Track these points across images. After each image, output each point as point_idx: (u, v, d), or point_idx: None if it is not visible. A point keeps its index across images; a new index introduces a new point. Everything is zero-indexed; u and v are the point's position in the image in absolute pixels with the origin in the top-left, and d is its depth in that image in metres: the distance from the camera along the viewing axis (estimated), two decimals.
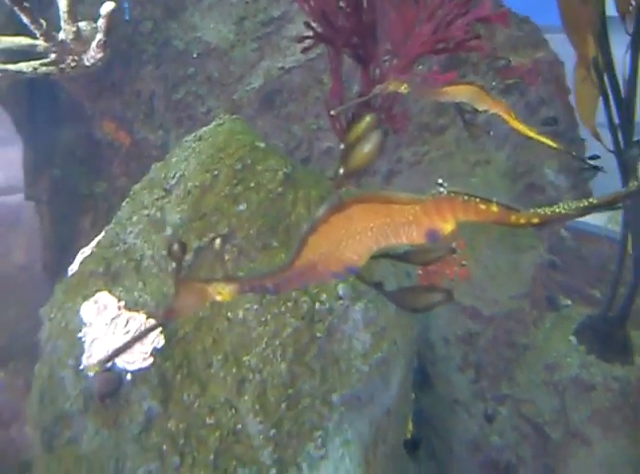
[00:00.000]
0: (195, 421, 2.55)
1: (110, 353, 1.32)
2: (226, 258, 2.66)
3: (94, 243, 2.93)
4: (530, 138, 2.62)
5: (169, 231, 2.73)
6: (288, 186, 2.78)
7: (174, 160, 2.90)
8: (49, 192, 5.26)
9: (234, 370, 2.57)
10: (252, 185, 2.73)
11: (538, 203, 3.69)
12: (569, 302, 4.50)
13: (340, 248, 1.21)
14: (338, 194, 1.22)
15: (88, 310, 2.69)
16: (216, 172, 2.75)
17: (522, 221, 1.16)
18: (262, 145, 2.84)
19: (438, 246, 1.55)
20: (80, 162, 5.27)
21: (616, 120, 3.65)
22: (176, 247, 1.35)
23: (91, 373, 2.60)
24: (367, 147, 1.34)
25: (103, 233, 2.92)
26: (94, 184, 5.24)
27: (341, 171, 1.36)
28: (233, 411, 2.55)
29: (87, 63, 4.38)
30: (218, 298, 1.30)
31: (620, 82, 3.59)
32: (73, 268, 2.93)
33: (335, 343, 2.67)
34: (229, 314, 2.61)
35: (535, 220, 1.16)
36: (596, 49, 3.65)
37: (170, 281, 2.66)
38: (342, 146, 1.41)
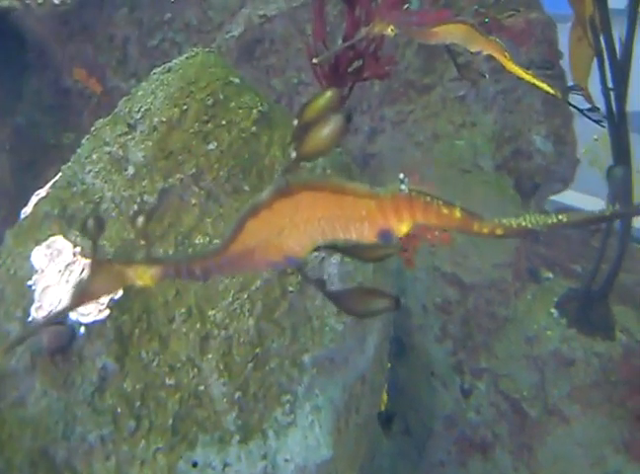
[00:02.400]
0: (153, 381, 2.37)
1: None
2: (192, 202, 2.45)
3: (50, 184, 2.71)
4: (524, 81, 2.48)
5: (131, 171, 2.53)
6: (263, 125, 2.59)
7: (140, 93, 2.69)
8: (13, 140, 5.03)
9: (198, 326, 2.39)
10: (224, 122, 2.54)
11: (525, 171, 3.54)
12: (550, 275, 4.38)
13: (281, 236, 1.13)
14: (286, 177, 1.05)
15: (40, 256, 2.48)
16: (185, 107, 2.55)
17: (485, 231, 1.10)
18: (236, 80, 2.64)
19: (389, 245, 1.40)
20: (47, 111, 5.05)
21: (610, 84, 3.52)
22: (91, 223, 1.18)
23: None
24: (325, 132, 1.14)
25: (60, 173, 2.70)
26: (62, 134, 5.01)
27: (293, 155, 1.16)
28: (195, 371, 2.37)
29: (56, 1, 4.18)
30: (139, 283, 1.20)
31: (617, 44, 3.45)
32: (26, 211, 2.71)
33: (307, 298, 2.48)
34: None
35: (499, 231, 1.09)
36: (593, 8, 3.50)
37: (130, 226, 2.45)
38: (295, 122, 1.20)
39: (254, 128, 2.56)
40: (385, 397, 3.45)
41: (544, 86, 2.47)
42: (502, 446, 3.86)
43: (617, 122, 3.50)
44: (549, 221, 1.08)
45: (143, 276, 1.19)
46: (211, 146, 2.50)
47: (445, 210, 1.08)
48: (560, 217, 1.08)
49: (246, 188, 2.48)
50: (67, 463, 2.33)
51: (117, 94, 4.79)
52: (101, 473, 2.31)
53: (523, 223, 1.08)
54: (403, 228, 1.09)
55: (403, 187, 1.06)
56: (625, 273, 4.10)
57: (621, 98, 3.45)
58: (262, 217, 1.10)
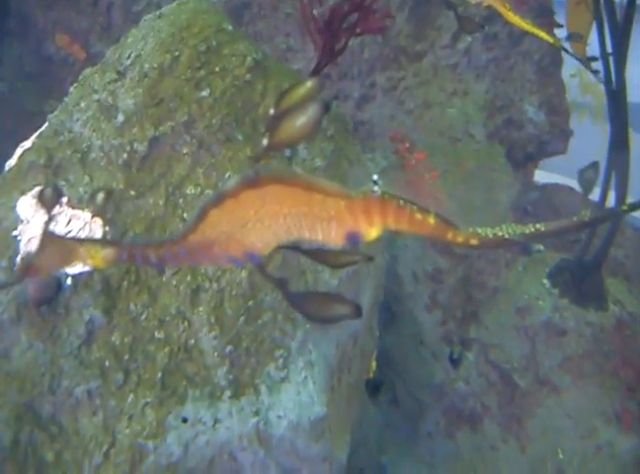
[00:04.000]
0: (142, 334, 2.30)
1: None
2: (184, 151, 2.37)
3: (35, 134, 2.62)
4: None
5: (121, 118, 2.44)
6: (258, 74, 2.51)
7: (130, 40, 2.59)
8: None
9: (188, 278, 2.32)
10: (217, 69, 2.46)
11: (516, 140, 3.49)
12: (541, 247, 4.32)
13: (244, 230, 1.07)
14: (255, 166, 0.98)
15: (25, 205, 2.39)
16: (177, 53, 2.46)
17: (460, 240, 1.05)
18: (229, 28, 2.58)
19: (356, 252, 1.34)
20: (29, 78, 4.94)
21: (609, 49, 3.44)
22: (49, 192, 1.10)
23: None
24: (301, 121, 1.08)
25: (46, 123, 2.61)
26: (44, 102, 4.90)
27: (265, 141, 1.09)
28: (185, 324, 2.30)
29: None
30: (89, 262, 1.13)
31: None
32: (11, 162, 2.62)
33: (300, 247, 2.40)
34: (185, 214, 2.33)
35: (474, 242, 1.05)
36: None
37: (120, 175, 2.37)
38: (271, 111, 1.13)
39: (248, 76, 2.48)
40: (374, 364, 3.39)
41: (543, 34, 2.42)
42: (490, 418, 3.81)
43: (616, 89, 3.43)
44: (526, 231, 1.05)
45: (95, 257, 1.13)
46: (204, 93, 2.42)
47: (419, 216, 1.02)
48: (538, 227, 1.05)
49: (239, 137, 2.41)
50: (53, 418, 2.26)
51: (100, 60, 4.71)
52: (87, 428, 2.24)
53: (500, 233, 1.04)
54: (373, 232, 1.04)
55: (376, 188, 1.00)
56: (615, 247, 4.06)
57: (621, 63, 3.38)
58: (226, 207, 1.04)
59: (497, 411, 3.84)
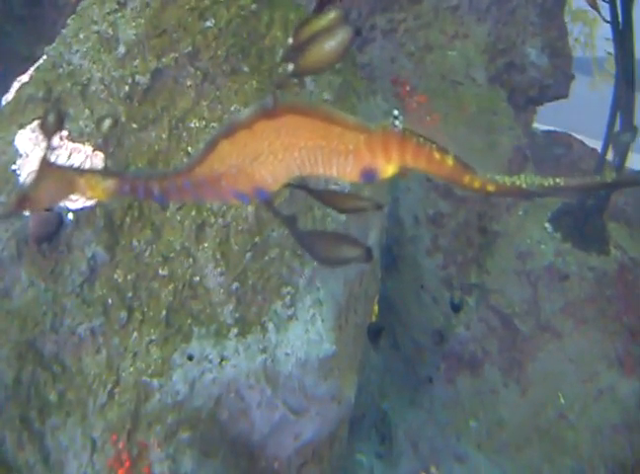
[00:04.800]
0: (145, 271, 2.27)
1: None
2: (188, 83, 2.31)
3: (33, 67, 2.55)
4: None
5: (122, 50, 2.38)
6: (264, 4, 2.45)
7: None
8: None
9: (193, 213, 2.28)
10: None
11: (518, 84, 3.41)
12: None
13: (256, 164, 1.01)
14: (274, 95, 0.91)
15: (24, 140, 2.33)
16: None
17: (476, 185, 1.01)
18: None
19: (365, 197, 1.28)
20: (18, 21, 4.83)
21: None
22: (52, 117, 1.03)
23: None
24: (331, 45, 1.03)
25: (44, 56, 2.54)
26: (35, 46, 4.80)
27: (289, 67, 1.02)
28: (190, 260, 2.26)
29: None
30: (89, 194, 1.08)
31: None
32: (8, 97, 2.55)
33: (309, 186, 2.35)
34: (189, 148, 2.27)
35: (490, 188, 1.01)
36: None
37: (121, 108, 2.30)
38: (290, 40, 1.06)
39: (254, 6, 2.42)
40: (376, 308, 3.37)
41: None
42: (491, 362, 3.79)
43: (623, 29, 3.35)
44: (545, 183, 1.01)
45: (95, 188, 1.08)
46: (208, 23, 2.35)
47: (437, 156, 0.99)
48: (557, 180, 1.01)
49: (245, 69, 2.35)
50: (56, 356, 2.23)
51: None
52: (91, 366, 2.21)
53: (518, 182, 1.01)
54: (389, 169, 1.00)
55: (397, 123, 0.95)
56: (616, 194, 4.02)
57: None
58: (238, 139, 0.99)
59: (497, 356, 3.82)
